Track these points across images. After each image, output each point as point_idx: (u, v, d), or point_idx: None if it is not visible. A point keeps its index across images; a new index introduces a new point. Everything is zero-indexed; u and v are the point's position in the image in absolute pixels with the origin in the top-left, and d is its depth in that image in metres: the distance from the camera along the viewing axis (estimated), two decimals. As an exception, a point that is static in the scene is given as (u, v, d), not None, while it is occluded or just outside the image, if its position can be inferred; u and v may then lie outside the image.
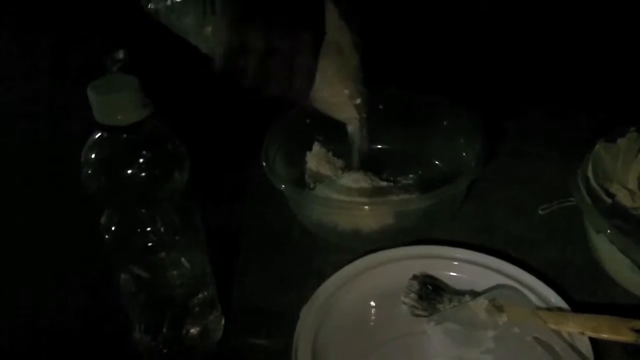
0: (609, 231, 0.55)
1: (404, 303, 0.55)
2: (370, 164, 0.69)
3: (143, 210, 0.47)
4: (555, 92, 0.85)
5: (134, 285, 0.50)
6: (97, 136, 0.44)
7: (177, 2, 0.59)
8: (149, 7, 0.60)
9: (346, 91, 0.62)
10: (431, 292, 0.56)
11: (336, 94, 0.62)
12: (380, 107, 0.73)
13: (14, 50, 1.04)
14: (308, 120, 0.73)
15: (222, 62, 0.57)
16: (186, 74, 0.83)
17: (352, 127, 0.66)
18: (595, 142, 0.63)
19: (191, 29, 0.60)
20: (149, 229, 0.48)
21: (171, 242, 0.49)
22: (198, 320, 0.53)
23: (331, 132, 0.72)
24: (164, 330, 0.52)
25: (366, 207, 0.64)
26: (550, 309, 0.54)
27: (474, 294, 0.56)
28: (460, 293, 0.56)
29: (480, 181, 0.68)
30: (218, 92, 0.84)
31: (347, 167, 0.70)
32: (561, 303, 0.54)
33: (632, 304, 0.57)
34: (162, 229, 0.48)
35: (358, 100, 0.64)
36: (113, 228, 0.48)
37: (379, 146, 0.73)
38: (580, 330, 0.51)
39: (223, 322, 0.56)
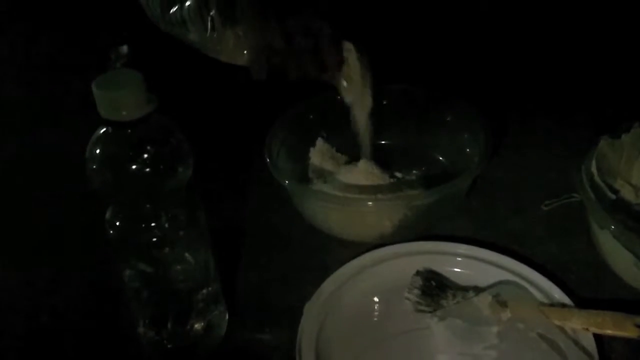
0: (612, 227, 0.55)
1: (408, 299, 0.55)
2: (374, 160, 0.69)
3: (147, 206, 0.47)
4: (560, 88, 0.85)
5: (138, 280, 0.50)
6: (101, 132, 0.44)
7: (177, 19, 0.59)
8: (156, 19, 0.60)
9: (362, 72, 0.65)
10: (435, 288, 0.56)
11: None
12: (384, 102, 0.73)
13: (17, 46, 1.04)
14: (311, 116, 0.73)
15: (253, 68, 0.60)
16: (190, 70, 0.83)
17: (359, 112, 0.67)
18: (599, 138, 0.62)
19: (198, 45, 0.60)
20: (153, 224, 0.48)
21: (175, 237, 0.49)
22: (202, 315, 0.53)
23: (335, 128, 0.72)
24: (168, 325, 0.52)
25: (370, 203, 0.64)
26: (554, 304, 0.54)
27: (478, 290, 0.56)
28: (464, 289, 0.56)
29: (484, 177, 0.68)
30: (222, 88, 0.84)
31: (351, 163, 0.70)
32: (565, 299, 0.54)
33: (636, 300, 0.57)
34: (166, 225, 0.48)
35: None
36: (118, 223, 0.48)
37: (383, 142, 0.73)
38: (584, 326, 0.51)
39: (227, 317, 0.56)
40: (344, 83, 0.65)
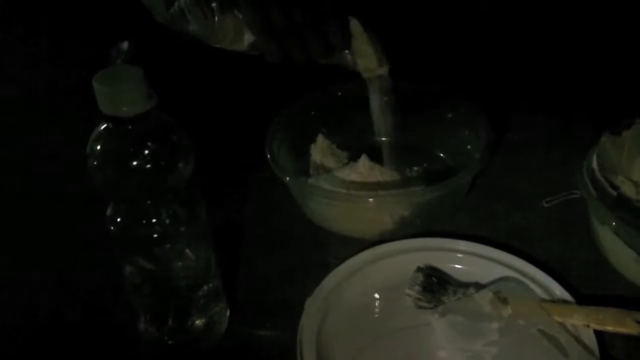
0: (613, 223, 0.55)
1: (408, 295, 0.55)
2: (375, 157, 0.69)
3: (148, 202, 0.47)
4: (561, 85, 0.84)
5: (139, 277, 0.50)
6: (102, 128, 0.44)
7: (176, 10, 0.59)
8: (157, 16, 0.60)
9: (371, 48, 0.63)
10: (435, 284, 0.56)
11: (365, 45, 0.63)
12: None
13: (17, 43, 1.04)
14: (312, 112, 0.73)
15: (266, 51, 0.59)
16: (191, 67, 0.83)
17: (376, 89, 0.66)
18: (600, 134, 0.62)
19: (199, 35, 0.60)
20: (154, 220, 0.48)
21: (176, 233, 0.49)
22: (203, 311, 0.53)
23: (335, 124, 0.72)
24: (169, 321, 0.52)
25: (370, 199, 0.64)
26: (554, 301, 0.54)
27: (479, 286, 0.56)
28: (465, 285, 0.56)
29: (485, 173, 0.68)
30: (222, 84, 0.84)
31: (352, 159, 0.70)
32: (566, 295, 0.54)
33: (636, 297, 0.57)
34: (167, 221, 0.48)
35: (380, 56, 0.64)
36: (118, 220, 0.48)
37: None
38: (585, 322, 0.51)
39: (228, 313, 0.56)
40: (355, 58, 0.63)
